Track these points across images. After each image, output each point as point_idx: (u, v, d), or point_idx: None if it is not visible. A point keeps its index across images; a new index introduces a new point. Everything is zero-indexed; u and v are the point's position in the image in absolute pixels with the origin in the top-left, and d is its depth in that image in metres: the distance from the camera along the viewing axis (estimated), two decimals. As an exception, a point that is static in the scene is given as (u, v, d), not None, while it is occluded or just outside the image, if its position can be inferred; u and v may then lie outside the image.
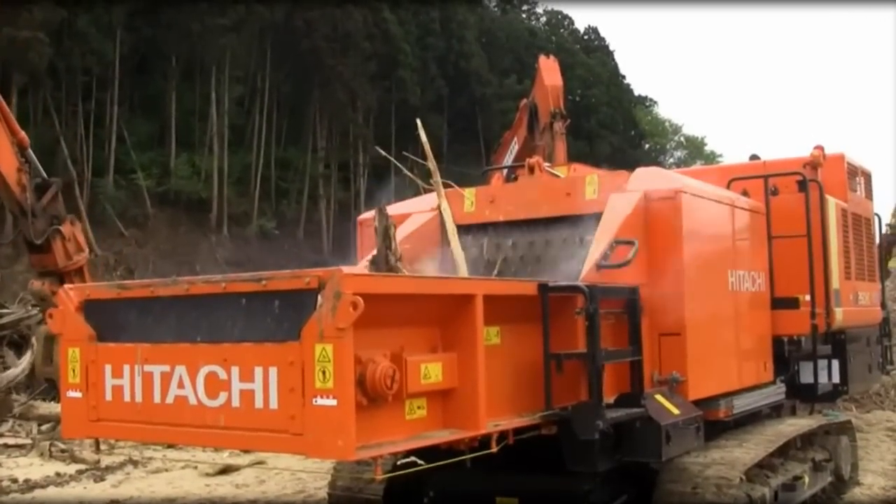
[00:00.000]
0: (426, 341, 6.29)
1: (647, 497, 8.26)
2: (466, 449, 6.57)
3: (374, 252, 7.54)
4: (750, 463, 8.58)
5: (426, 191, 9.88)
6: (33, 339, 21.63)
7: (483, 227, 9.58)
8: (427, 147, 9.37)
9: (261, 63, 60.67)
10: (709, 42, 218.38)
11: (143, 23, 53.96)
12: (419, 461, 6.08)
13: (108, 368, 6.59)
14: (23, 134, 18.18)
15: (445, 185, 9.61)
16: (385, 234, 7.43)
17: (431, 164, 9.33)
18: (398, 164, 10.10)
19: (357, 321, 5.33)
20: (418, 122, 9.93)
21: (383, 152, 11.55)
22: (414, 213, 9.73)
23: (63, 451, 15.71)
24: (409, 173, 10.08)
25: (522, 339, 7.07)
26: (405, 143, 60.89)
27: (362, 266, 8.25)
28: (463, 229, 9.45)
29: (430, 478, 8.39)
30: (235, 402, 5.84)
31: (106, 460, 14.86)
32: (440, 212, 9.30)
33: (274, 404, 5.66)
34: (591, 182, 9.13)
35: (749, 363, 10.02)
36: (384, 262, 7.35)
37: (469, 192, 9.79)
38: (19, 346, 23.36)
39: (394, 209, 10.06)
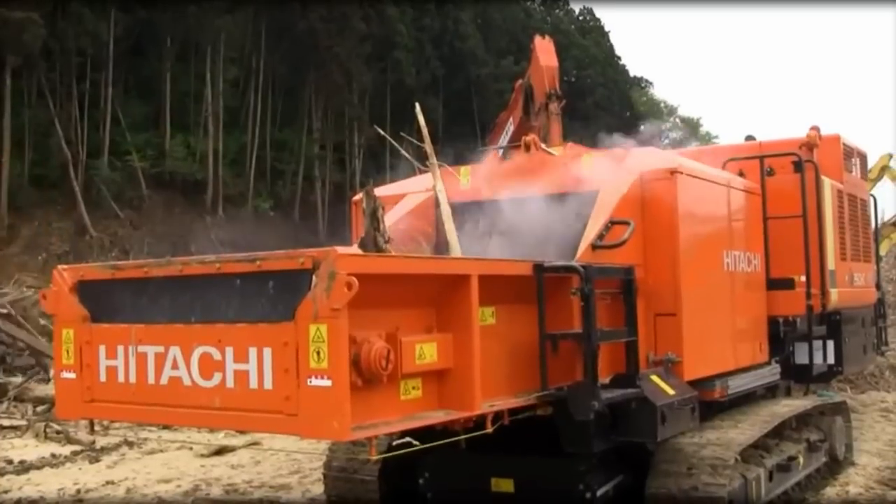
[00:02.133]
0: (421, 321, 6.28)
1: (642, 478, 8.26)
2: (462, 430, 6.58)
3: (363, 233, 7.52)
4: (745, 443, 8.59)
5: (422, 172, 9.85)
6: None
7: (478, 205, 9.55)
8: (425, 130, 9.33)
9: (256, 44, 60.46)
10: (704, 23, 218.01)
11: (138, 4, 53.73)
12: (414, 442, 6.07)
13: (102, 349, 6.59)
14: None
15: (440, 166, 9.59)
16: (373, 216, 7.41)
17: (429, 147, 9.29)
18: (396, 144, 10.06)
19: (352, 301, 5.32)
20: (417, 106, 9.87)
21: (382, 132, 11.52)
22: (409, 193, 9.71)
23: (58, 432, 15.73)
24: (406, 154, 10.05)
25: (518, 319, 7.06)
26: (400, 125, 60.37)
27: (357, 246, 8.24)
28: (458, 207, 9.42)
29: (426, 458, 8.39)
30: (230, 383, 5.83)
31: (101, 441, 14.88)
32: (435, 192, 9.27)
33: (268, 385, 5.65)
34: (588, 161, 9.11)
35: (744, 344, 10.03)
36: (372, 244, 7.33)
37: (464, 170, 9.76)
38: (14, 328, 23.35)
39: (389, 189, 10.05)
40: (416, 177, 9.98)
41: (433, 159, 9.30)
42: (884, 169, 21.22)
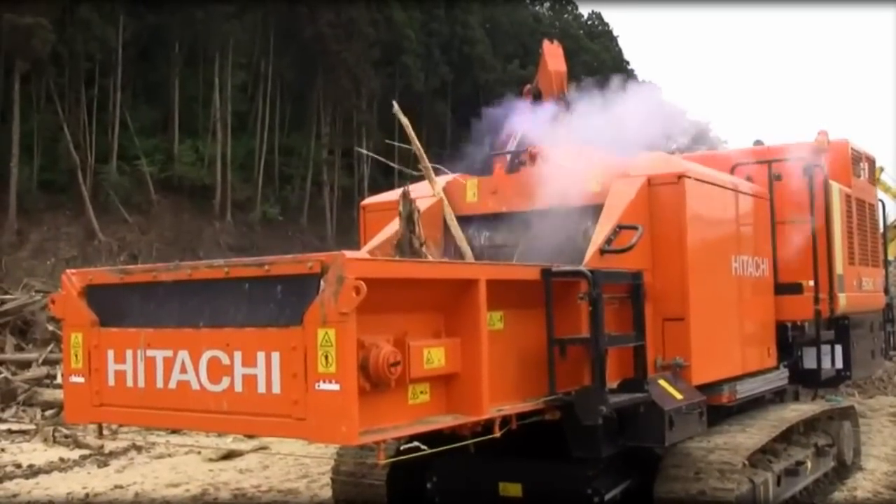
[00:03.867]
0: (429, 326, 6.28)
1: (650, 482, 8.26)
2: (469, 434, 6.56)
3: (399, 236, 7.64)
4: (753, 448, 8.58)
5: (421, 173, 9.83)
6: None
7: (486, 218, 9.56)
8: (411, 132, 9.27)
9: (264, 49, 60.64)
10: (713, 28, 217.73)
11: (146, 9, 53.90)
12: (422, 446, 6.08)
13: (110, 353, 6.60)
14: None
15: (435, 170, 9.59)
16: (409, 219, 7.55)
17: (417, 148, 9.25)
18: (377, 157, 10.00)
19: (360, 306, 5.32)
20: (395, 104, 9.75)
21: (364, 151, 11.44)
22: (417, 198, 9.69)
23: (67, 436, 15.75)
24: (389, 163, 9.99)
25: (526, 323, 7.06)
26: (409, 129, 60.62)
27: (365, 251, 8.26)
28: (466, 220, 9.45)
29: (434, 463, 8.40)
30: (238, 387, 5.84)
31: (109, 446, 14.88)
32: (439, 195, 9.28)
33: (277, 389, 5.66)
34: (594, 172, 9.09)
35: (752, 348, 10.01)
36: (408, 246, 7.46)
37: (471, 183, 9.75)
38: (23, 332, 23.43)
39: (395, 195, 10.05)
40: (424, 182, 9.98)
41: (425, 161, 9.27)
42: (875, 181, 21.25)
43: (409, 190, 8.04)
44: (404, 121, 9.38)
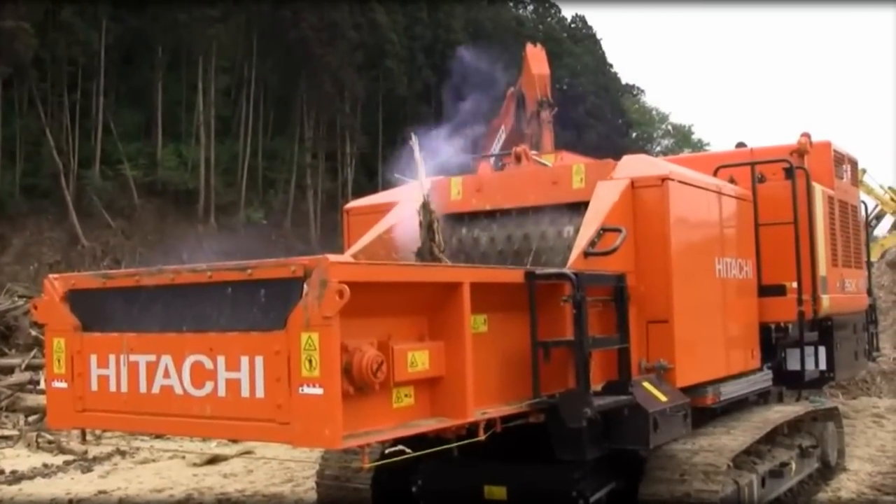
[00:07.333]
0: (413, 329, 6.27)
1: (635, 484, 8.27)
2: (454, 437, 6.56)
3: (420, 244, 7.74)
4: (737, 450, 8.59)
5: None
6: None
7: (470, 216, 9.56)
8: (421, 166, 9.04)
9: (247, 53, 60.44)
10: (696, 30, 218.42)
11: (129, 13, 53.70)
12: (407, 450, 6.07)
13: (93, 358, 6.57)
14: None
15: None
16: (429, 228, 7.59)
17: (423, 185, 9.09)
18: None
19: (343, 309, 5.31)
20: (413, 138, 9.57)
21: (402, 177, 11.14)
22: (402, 201, 9.69)
23: (50, 441, 15.70)
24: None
25: (510, 326, 7.06)
26: (392, 134, 60.76)
27: (349, 255, 8.26)
28: (450, 218, 9.43)
29: (418, 466, 8.40)
30: (221, 392, 5.82)
31: (93, 451, 14.86)
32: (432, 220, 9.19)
33: (260, 393, 5.64)
34: (578, 171, 9.11)
35: (736, 350, 10.04)
36: (429, 254, 7.54)
37: (455, 181, 9.75)
38: (6, 337, 23.35)
39: (382, 197, 10.05)
40: (409, 184, 9.96)
41: (427, 198, 9.10)
42: (858, 183, 21.39)
43: (428, 201, 8.06)
44: (419, 158, 9.19)
